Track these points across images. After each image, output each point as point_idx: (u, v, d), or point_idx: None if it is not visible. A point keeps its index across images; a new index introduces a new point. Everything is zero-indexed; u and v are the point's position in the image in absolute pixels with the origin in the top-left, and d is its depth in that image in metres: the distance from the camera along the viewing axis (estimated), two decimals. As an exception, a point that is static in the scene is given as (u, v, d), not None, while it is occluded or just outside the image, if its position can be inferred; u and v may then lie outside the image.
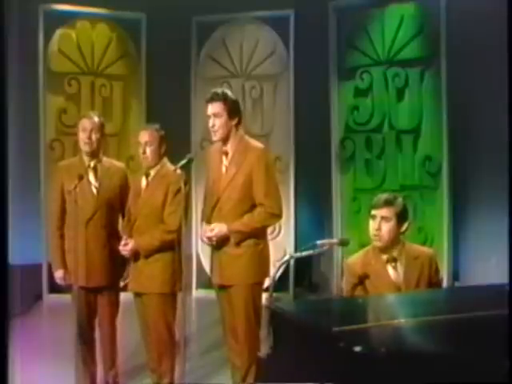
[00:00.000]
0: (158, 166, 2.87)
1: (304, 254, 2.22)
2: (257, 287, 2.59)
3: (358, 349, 1.49)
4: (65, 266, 2.93)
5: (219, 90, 2.68)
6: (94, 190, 2.89)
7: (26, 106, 4.71)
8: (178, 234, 2.70)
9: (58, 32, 4.87)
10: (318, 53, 4.70)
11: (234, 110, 2.62)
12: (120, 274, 2.93)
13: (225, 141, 2.66)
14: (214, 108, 2.62)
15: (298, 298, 4.63)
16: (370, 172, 4.56)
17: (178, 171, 2.85)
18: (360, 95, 4.60)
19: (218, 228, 2.63)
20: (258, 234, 2.63)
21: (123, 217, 2.92)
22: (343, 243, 2.46)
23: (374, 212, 2.33)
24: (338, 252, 4.59)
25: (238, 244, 2.62)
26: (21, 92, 4.51)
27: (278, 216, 2.62)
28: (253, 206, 2.61)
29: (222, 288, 2.71)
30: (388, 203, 2.31)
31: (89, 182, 2.90)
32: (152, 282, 2.75)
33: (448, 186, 4.23)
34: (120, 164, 3.07)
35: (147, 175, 2.84)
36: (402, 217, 2.32)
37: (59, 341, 3.32)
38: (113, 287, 2.92)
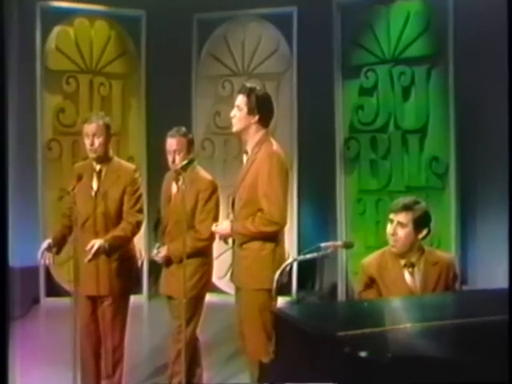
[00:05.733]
0: (188, 171, 2.89)
1: (308, 256, 2.22)
2: (262, 293, 2.54)
3: (363, 354, 1.49)
4: (57, 243, 2.86)
5: (249, 84, 2.72)
6: (92, 193, 2.87)
7: (22, 105, 4.72)
8: (209, 242, 2.83)
9: (56, 29, 4.88)
10: (322, 51, 4.70)
11: (256, 106, 2.57)
12: (123, 283, 2.88)
13: (244, 138, 2.66)
14: (237, 99, 2.63)
15: (301, 301, 4.63)
16: (375, 173, 4.55)
17: (209, 177, 2.95)
18: (365, 94, 4.60)
19: (223, 225, 2.65)
20: (264, 239, 2.59)
21: (120, 221, 2.87)
22: (347, 246, 2.45)
23: (391, 216, 2.31)
24: (342, 255, 4.59)
25: (241, 245, 2.63)
26: (17, 91, 4.52)
27: (278, 224, 2.56)
28: (259, 210, 2.59)
29: (237, 288, 2.75)
30: (406, 208, 2.28)
31: (88, 185, 2.88)
32: (182, 286, 2.75)
33: (455, 188, 4.23)
34: (130, 167, 2.99)
35: (177, 180, 2.85)
36: (420, 223, 2.29)
37: (57, 346, 3.33)
38: (114, 296, 2.87)
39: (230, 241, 2.70)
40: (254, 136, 2.61)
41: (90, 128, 2.88)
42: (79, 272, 2.79)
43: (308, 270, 4.80)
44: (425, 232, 2.31)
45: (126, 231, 2.86)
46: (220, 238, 2.70)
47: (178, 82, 4.99)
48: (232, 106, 5.24)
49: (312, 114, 4.78)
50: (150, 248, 4.72)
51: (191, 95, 5.09)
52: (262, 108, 2.59)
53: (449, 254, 2.69)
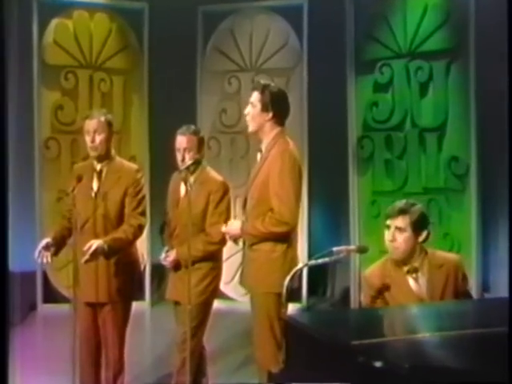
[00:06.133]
0: (198, 172, 2.93)
1: (319, 261, 2.23)
2: (271, 297, 2.55)
3: (378, 364, 1.49)
4: (56, 243, 2.87)
5: (263, 80, 2.77)
6: (92, 195, 2.88)
7: (19, 102, 4.75)
8: (220, 246, 2.88)
9: (54, 22, 4.90)
10: (334, 45, 4.71)
11: (270, 103, 2.61)
12: (125, 288, 2.89)
13: (259, 136, 2.69)
14: (252, 97, 2.67)
15: (311, 308, 4.63)
16: (390, 173, 4.55)
17: (220, 178, 2.99)
18: (379, 90, 4.60)
19: (233, 225, 2.70)
20: (275, 240, 2.60)
21: (121, 224, 2.88)
22: (361, 250, 2.46)
23: (388, 222, 2.33)
24: (355, 260, 4.58)
25: (250, 247, 2.65)
26: (13, 87, 4.55)
27: (288, 224, 2.57)
28: (270, 209, 2.61)
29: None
30: (402, 212, 2.30)
31: (88, 186, 2.89)
32: (191, 291, 2.78)
33: (476, 189, 4.21)
34: (131, 167, 3.00)
35: (186, 181, 2.86)
36: (418, 226, 2.31)
37: (55, 355, 3.35)
38: (115, 303, 2.87)
39: (241, 242, 2.73)
40: (268, 134, 2.65)
41: (91, 124, 2.88)
42: (78, 277, 2.80)
43: (319, 276, 4.81)
44: (424, 234, 2.32)
45: (127, 234, 2.86)
46: (230, 238, 2.74)
47: (182, 78, 5.01)
48: (238, 103, 5.33)
49: (323, 112, 4.77)
50: (153, 252, 4.76)
51: (196, 92, 5.10)
52: (276, 105, 2.62)
53: (454, 254, 2.68)
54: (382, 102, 4.58)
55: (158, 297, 4.89)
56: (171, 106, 4.90)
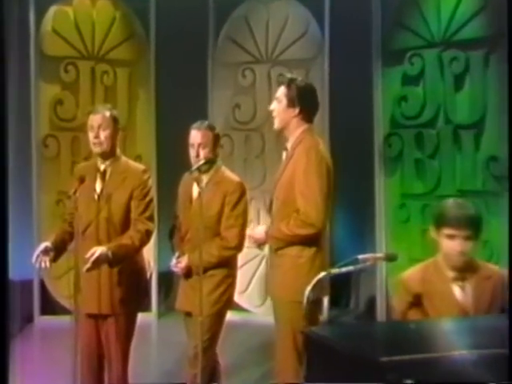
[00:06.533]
0: (212, 171, 2.97)
1: (343, 270, 2.23)
2: (295, 307, 2.53)
3: (410, 383, 1.49)
4: (55, 248, 2.87)
5: (289, 74, 2.85)
6: (95, 197, 2.90)
7: (14, 97, 4.80)
8: (237, 251, 2.92)
9: (53, 9, 4.95)
10: (359, 33, 4.70)
11: (297, 98, 2.66)
12: (130, 299, 2.89)
13: (285, 134, 2.73)
14: (278, 92, 2.73)
15: (333, 321, 4.62)
16: (421, 174, 4.53)
17: (236, 178, 3.03)
18: (409, 83, 4.59)
19: (258, 229, 2.76)
20: (302, 244, 2.63)
21: (126, 230, 2.90)
22: (390, 258, 2.45)
23: (451, 232, 2.28)
24: (381, 268, 4.58)
25: (275, 252, 2.68)
26: (8, 80, 4.58)
27: (314, 226, 2.61)
28: (296, 210, 2.64)
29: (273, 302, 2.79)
30: (470, 221, 2.28)
31: (91, 187, 2.90)
32: (204, 301, 2.80)
33: (517, 192, 4.18)
34: (138, 167, 3.01)
35: (198, 181, 2.88)
36: (479, 232, 2.30)
37: (54, 371, 3.39)
38: (119, 314, 2.87)
39: (266, 248, 2.79)
40: (294, 131, 2.70)
41: (95, 119, 2.90)
42: (80, 286, 2.80)
43: (342, 286, 4.80)
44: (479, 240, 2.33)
45: (133, 240, 2.87)
46: (254, 243, 2.78)
47: (192, 71, 5.03)
48: (253, 98, 5.33)
49: (347, 107, 4.76)
50: (160, 259, 4.79)
51: (207, 85, 5.13)
52: (303, 100, 2.68)
53: (501, 268, 2.66)
54: (412, 96, 4.57)
55: (166, 307, 4.92)
56: (180, 100, 4.92)
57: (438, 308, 2.27)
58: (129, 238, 2.87)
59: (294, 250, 2.63)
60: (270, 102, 4.89)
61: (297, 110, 2.67)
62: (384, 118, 4.70)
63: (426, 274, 2.33)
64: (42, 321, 4.72)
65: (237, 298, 4.36)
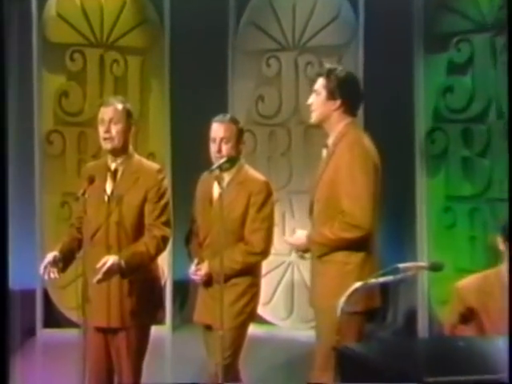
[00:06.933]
0: (234, 170, 3.00)
1: (381, 280, 2.25)
2: (344, 318, 2.51)
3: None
4: (63, 258, 2.88)
5: (328, 64, 2.91)
6: (105, 198, 2.90)
7: (15, 89, 4.81)
8: (262, 257, 2.95)
9: (58, -8, 4.97)
10: (398, 16, 4.63)
11: (338, 89, 2.71)
12: (142, 311, 2.89)
13: (325, 130, 2.76)
14: (316, 84, 2.78)
15: (370, 336, 4.57)
16: (468, 174, 4.49)
17: (262, 178, 3.05)
18: (455, 72, 4.54)
19: (298, 234, 2.78)
20: (349, 249, 2.65)
21: (139, 236, 2.90)
22: (435, 268, 2.42)
23: None
24: (423, 279, 4.53)
25: (319, 258, 2.72)
26: (8, 69, 4.61)
27: (360, 228, 2.62)
28: (341, 212, 2.66)
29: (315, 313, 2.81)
30: None
31: (101, 188, 2.91)
32: (225, 312, 2.79)
33: None
34: (152, 167, 3.01)
35: (220, 181, 2.88)
36: None
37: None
38: (130, 328, 2.87)
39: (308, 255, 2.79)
40: (335, 126, 2.73)
41: (106, 112, 2.91)
42: (88, 297, 2.80)
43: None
44: None
45: (148, 247, 2.87)
46: (296, 250, 2.80)
47: (211, 59, 5.00)
48: (278, 89, 5.29)
49: (384, 99, 4.72)
50: (175, 267, 4.76)
51: (227, 75, 5.10)
52: (344, 91, 2.71)
53: None
54: (459, 87, 4.52)
55: (181, 320, 4.92)
56: (197, 92, 4.91)
57: (496, 324, 2.26)
58: (143, 245, 2.87)
59: (339, 256, 2.66)
60: (296, 93, 5.10)
61: (338, 103, 2.70)
62: (426, 112, 4.65)
63: (485, 285, 2.33)
64: (44, 334, 4.72)
65: (260, 309, 4.35)
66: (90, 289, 2.79)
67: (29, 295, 4.62)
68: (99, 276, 2.75)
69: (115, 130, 2.88)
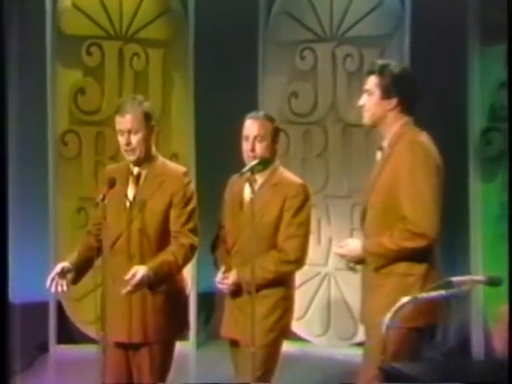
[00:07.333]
0: (268, 172, 3.03)
1: (432, 295, 2.25)
2: (401, 335, 2.55)
3: None
4: (76, 268, 2.90)
5: (380, 61, 2.89)
6: (127, 204, 2.94)
7: (27, 85, 4.88)
8: (297, 266, 2.97)
9: (72, -20, 5.02)
10: (449, 1, 4.58)
11: (393, 87, 2.73)
12: (166, 325, 2.91)
13: (380, 130, 2.79)
14: (367, 83, 2.80)
15: (418, 356, 4.55)
16: (529, 179, 4.45)
17: (298, 180, 3.08)
18: (514, 65, 4.50)
19: (351, 245, 2.78)
20: (411, 260, 2.66)
21: (163, 244, 2.93)
22: (493, 282, 2.41)
23: None
24: (479, 294, 4.50)
25: (376, 270, 2.72)
26: (20, 65, 4.67)
27: (425, 237, 2.62)
28: (401, 219, 2.67)
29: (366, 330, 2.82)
30: None
31: (122, 193, 2.94)
32: (256, 327, 2.80)
33: None
34: (178, 169, 3.04)
35: (251, 183, 2.91)
36: None
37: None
38: (153, 343, 2.90)
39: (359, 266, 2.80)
40: (391, 126, 2.75)
41: (123, 122, 2.93)
42: (107, 310, 2.82)
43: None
44: None
45: (176, 256, 2.90)
46: (348, 261, 2.80)
47: (239, 52, 5.02)
48: (314, 84, 5.25)
49: (432, 95, 4.64)
50: (199, 277, 4.75)
51: (257, 69, 5.11)
52: (400, 89, 2.73)
53: None
54: (518, 81, 4.48)
55: (206, 335, 4.93)
56: (224, 88, 4.92)
57: None
58: (171, 255, 2.90)
59: (400, 268, 2.67)
60: (334, 88, 5.08)
61: (394, 102, 2.73)
62: (482, 110, 4.62)
63: None
64: (58, 350, 4.74)
65: (293, 325, 4.34)
66: (109, 301, 2.82)
67: (41, 308, 4.66)
68: (129, 288, 2.78)
69: (136, 140, 2.91)
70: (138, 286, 2.79)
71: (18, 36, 4.62)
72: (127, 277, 2.78)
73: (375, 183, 2.74)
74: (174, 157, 4.67)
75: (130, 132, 2.90)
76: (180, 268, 2.94)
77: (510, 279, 2.44)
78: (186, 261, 2.94)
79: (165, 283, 2.88)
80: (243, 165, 3.05)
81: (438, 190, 2.68)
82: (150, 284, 2.83)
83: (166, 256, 2.88)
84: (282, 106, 5.08)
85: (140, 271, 2.79)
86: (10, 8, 4.50)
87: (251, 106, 4.87)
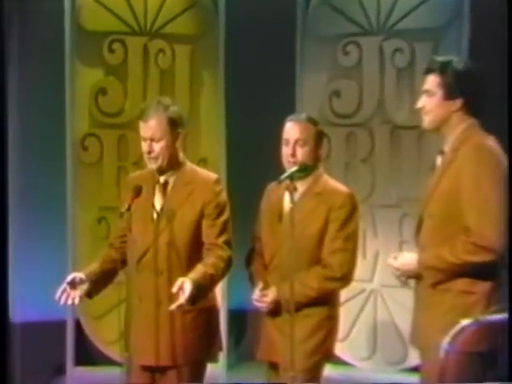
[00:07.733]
0: (310, 179, 3.05)
1: (496, 318, 2.38)
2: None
3: None
4: (91, 280, 2.93)
5: (440, 57, 2.88)
6: (154, 216, 2.95)
7: (43, 85, 4.93)
8: (343, 284, 2.99)
9: (93, -28, 5.08)
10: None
11: (457, 87, 2.74)
12: (196, 346, 2.93)
13: (442, 133, 2.79)
14: (426, 83, 2.78)
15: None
16: None
17: (345, 189, 3.10)
18: None
19: (405, 258, 2.78)
20: (474, 276, 2.66)
21: (194, 258, 2.95)
22: None
23: None
24: None
25: (433, 286, 2.71)
26: (34, 62, 4.71)
27: (491, 251, 2.60)
28: (463, 230, 2.66)
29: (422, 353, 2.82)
30: None
31: (149, 202, 2.97)
32: (297, 349, 2.80)
33: None
34: (209, 177, 3.06)
35: (291, 191, 2.90)
36: None
37: None
38: (182, 366, 2.92)
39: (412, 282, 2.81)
40: (455, 129, 2.75)
41: (146, 129, 2.94)
42: (132, 330, 2.85)
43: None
44: None
45: (217, 269, 2.91)
46: (401, 276, 2.79)
47: (275, 47, 5.02)
48: (358, 82, 5.24)
49: (495, 94, 4.54)
50: (230, 294, 4.74)
51: (295, 66, 5.10)
52: (466, 88, 2.75)
53: None
54: None
55: (237, 357, 4.92)
56: (258, 87, 4.92)
57: None
58: (212, 267, 2.90)
59: (460, 284, 2.67)
60: (381, 86, 5.05)
61: (458, 103, 2.73)
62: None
63: None
64: (76, 373, 4.76)
65: (336, 347, 4.32)
66: (134, 321, 2.84)
67: (58, 327, 4.67)
68: (180, 302, 2.76)
69: (158, 148, 2.93)
70: (189, 300, 2.77)
71: (37, 32, 4.69)
72: (174, 289, 2.76)
73: (434, 190, 2.74)
74: (202, 162, 4.69)
75: (152, 140, 2.92)
76: (218, 282, 2.97)
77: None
78: (224, 275, 2.97)
79: (204, 298, 2.89)
80: (279, 171, 3.05)
81: (505, 199, 2.64)
82: (191, 298, 2.81)
83: (207, 268, 2.88)
84: (323, 107, 5.06)
85: (187, 284, 2.77)
86: (29, 3, 4.60)
87: (288, 106, 4.86)
